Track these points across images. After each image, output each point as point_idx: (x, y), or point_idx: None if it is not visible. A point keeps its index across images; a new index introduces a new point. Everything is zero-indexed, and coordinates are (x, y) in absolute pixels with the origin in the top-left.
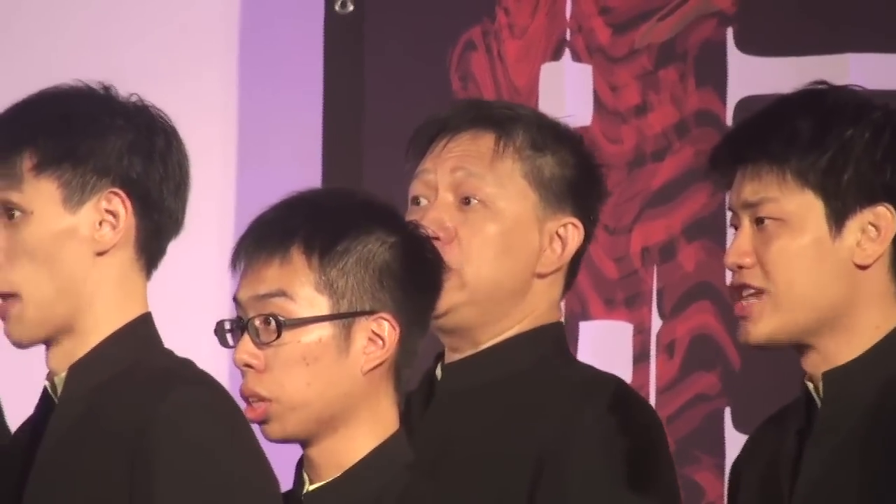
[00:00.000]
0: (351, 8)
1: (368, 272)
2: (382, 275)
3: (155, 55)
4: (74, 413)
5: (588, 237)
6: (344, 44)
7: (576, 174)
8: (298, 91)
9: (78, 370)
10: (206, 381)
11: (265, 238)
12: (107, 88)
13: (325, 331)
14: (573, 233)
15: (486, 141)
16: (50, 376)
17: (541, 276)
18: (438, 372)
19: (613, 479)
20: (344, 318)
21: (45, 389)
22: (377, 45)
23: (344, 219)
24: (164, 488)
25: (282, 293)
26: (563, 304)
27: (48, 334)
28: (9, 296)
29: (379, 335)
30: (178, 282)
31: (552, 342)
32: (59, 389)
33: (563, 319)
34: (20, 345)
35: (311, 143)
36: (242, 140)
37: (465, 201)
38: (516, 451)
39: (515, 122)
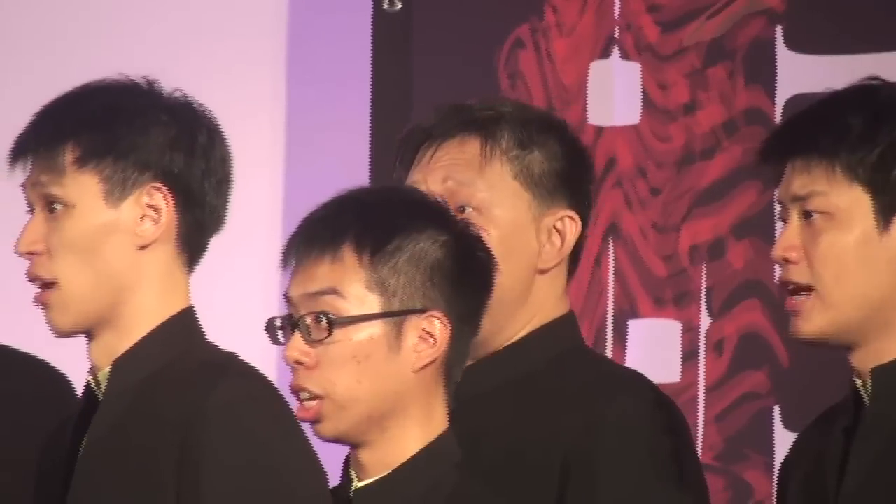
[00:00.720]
0: (399, 6)
1: (420, 270)
2: (434, 273)
3: (204, 54)
4: (119, 408)
5: (585, 224)
6: (392, 42)
7: (565, 164)
8: (346, 89)
9: (122, 365)
10: (252, 374)
11: (316, 236)
12: (151, 83)
13: (376, 329)
14: (570, 225)
15: (473, 146)
16: (92, 371)
17: (543, 272)
18: None
19: (641, 478)
20: (395, 316)
21: (87, 384)
22: (425, 44)
23: (395, 217)
24: (213, 480)
25: (333, 291)
26: (611, 300)
27: (88, 325)
28: (49, 284)
29: (430, 333)
30: (226, 280)
31: (567, 336)
32: (103, 384)
33: (571, 309)
34: (59, 333)
35: (358, 142)
36: (290, 139)
37: (460, 210)
38: (542, 450)
39: (499, 122)
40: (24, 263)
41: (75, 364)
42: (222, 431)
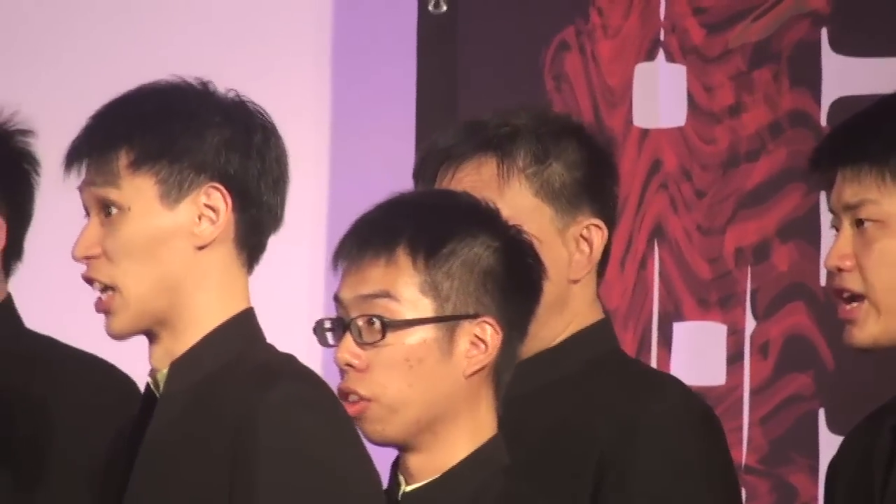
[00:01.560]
0: (444, 8)
1: (473, 276)
2: (486, 279)
3: (248, 57)
4: (177, 408)
5: (612, 227)
6: (437, 44)
7: (586, 172)
8: (391, 92)
9: (180, 365)
10: (309, 377)
11: (369, 238)
12: (204, 84)
13: (428, 333)
14: (596, 233)
15: (490, 168)
16: (152, 372)
17: (575, 281)
18: None
19: (674, 480)
20: (449, 320)
21: (147, 385)
22: (470, 46)
23: (449, 221)
24: (266, 482)
25: (386, 294)
26: (656, 302)
27: (145, 327)
28: (107, 289)
29: (482, 339)
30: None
31: (602, 341)
32: (162, 385)
33: (604, 315)
34: (117, 336)
35: (403, 144)
36: (335, 141)
37: None
38: (577, 452)
39: (514, 139)
40: (80, 265)
41: (134, 364)
42: (276, 433)
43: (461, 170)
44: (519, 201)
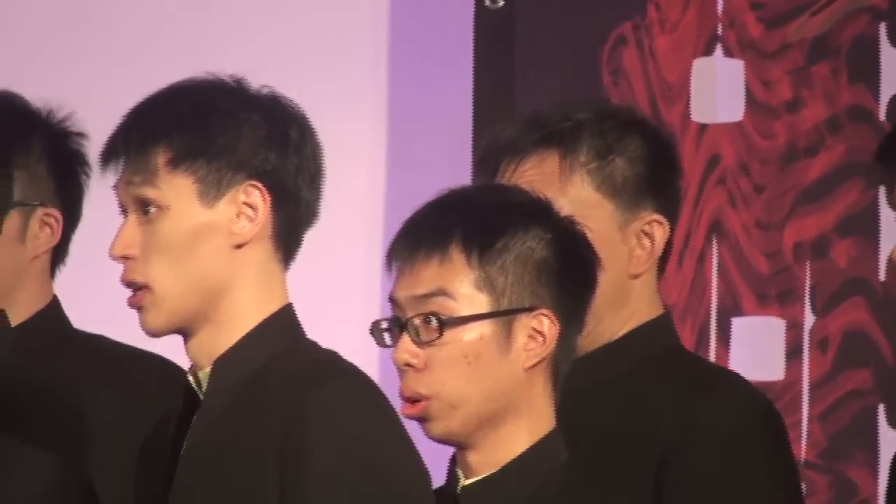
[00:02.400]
0: (502, 3)
1: (528, 269)
2: (541, 271)
3: (305, 53)
4: (220, 406)
5: (674, 223)
6: (495, 39)
7: (649, 167)
8: (448, 87)
9: (223, 363)
10: (356, 374)
11: (422, 237)
12: (238, 81)
13: (485, 328)
14: (658, 228)
15: (552, 162)
16: (193, 370)
17: (636, 276)
18: None
19: (737, 475)
20: (505, 315)
21: (187, 383)
22: (528, 41)
23: (501, 216)
24: (317, 481)
25: (442, 292)
26: (714, 298)
27: (181, 325)
28: (143, 287)
29: (539, 332)
30: (327, 284)
31: (663, 336)
32: (204, 383)
33: (664, 310)
34: (153, 333)
35: (460, 141)
36: (392, 138)
37: None
38: (638, 448)
39: (577, 133)
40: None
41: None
42: (326, 431)
43: (523, 164)
44: (581, 196)
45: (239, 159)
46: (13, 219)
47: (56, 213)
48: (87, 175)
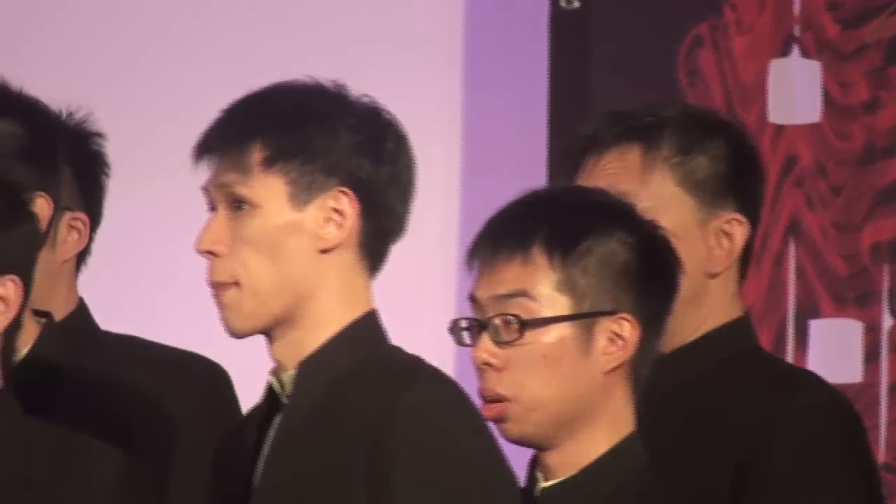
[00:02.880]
0: (577, 4)
1: (609, 272)
2: (623, 275)
3: (379, 56)
4: (304, 411)
5: (755, 225)
6: (570, 41)
7: (731, 167)
8: (523, 88)
9: (308, 367)
10: (444, 379)
11: (504, 237)
12: (339, 86)
13: (566, 331)
14: (738, 228)
15: (634, 155)
16: (276, 373)
17: (713, 275)
18: None
19: (818, 477)
20: (586, 317)
21: (268, 388)
22: (604, 42)
23: (584, 218)
24: (407, 485)
25: (523, 293)
26: (792, 300)
27: (264, 326)
28: (229, 284)
29: (619, 335)
30: (401, 284)
31: (741, 338)
32: (288, 387)
33: (743, 312)
34: (235, 334)
35: (535, 143)
36: (467, 140)
37: None
38: (716, 450)
39: (660, 129)
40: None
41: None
42: (416, 435)
43: (605, 157)
44: (661, 191)
45: (332, 164)
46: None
47: (83, 216)
48: (107, 176)
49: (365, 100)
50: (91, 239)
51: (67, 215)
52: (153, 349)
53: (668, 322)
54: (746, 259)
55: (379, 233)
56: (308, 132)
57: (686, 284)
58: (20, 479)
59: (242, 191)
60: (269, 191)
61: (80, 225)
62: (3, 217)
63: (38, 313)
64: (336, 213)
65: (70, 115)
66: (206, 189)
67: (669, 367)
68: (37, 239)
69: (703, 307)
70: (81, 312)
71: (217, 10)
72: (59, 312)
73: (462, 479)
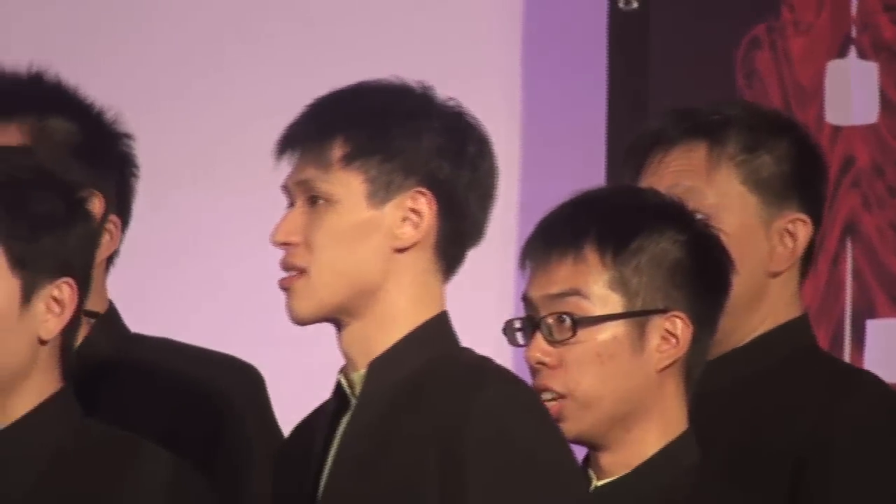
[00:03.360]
0: (635, 5)
1: (662, 270)
2: (675, 273)
3: (438, 55)
4: (375, 410)
5: (818, 224)
6: (628, 41)
7: (796, 166)
8: (582, 90)
9: (378, 367)
10: (512, 379)
11: (556, 237)
12: (425, 88)
13: (619, 329)
14: (802, 228)
15: (699, 152)
16: (345, 372)
17: (775, 275)
18: None
19: (877, 476)
20: (639, 315)
21: (338, 385)
22: (662, 43)
23: (636, 217)
24: (480, 483)
25: (576, 292)
26: (849, 300)
27: (326, 313)
28: (300, 271)
29: (672, 333)
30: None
31: (800, 338)
32: (358, 386)
33: (803, 312)
34: (298, 319)
35: (594, 143)
36: (526, 140)
37: None
38: (774, 450)
39: (726, 127)
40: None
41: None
42: (488, 435)
43: (670, 154)
44: (726, 188)
45: (412, 164)
46: None
47: (114, 218)
48: (136, 177)
49: (450, 103)
50: (120, 241)
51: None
52: (188, 351)
53: (727, 321)
54: (808, 259)
55: (456, 235)
56: (390, 131)
57: (747, 283)
58: (75, 478)
59: (321, 186)
60: (347, 187)
61: (111, 227)
62: (59, 218)
63: (87, 313)
64: (413, 213)
65: (100, 114)
66: (285, 186)
67: (729, 366)
68: (94, 240)
69: (764, 306)
70: (112, 315)
71: (281, 12)
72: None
73: (534, 479)
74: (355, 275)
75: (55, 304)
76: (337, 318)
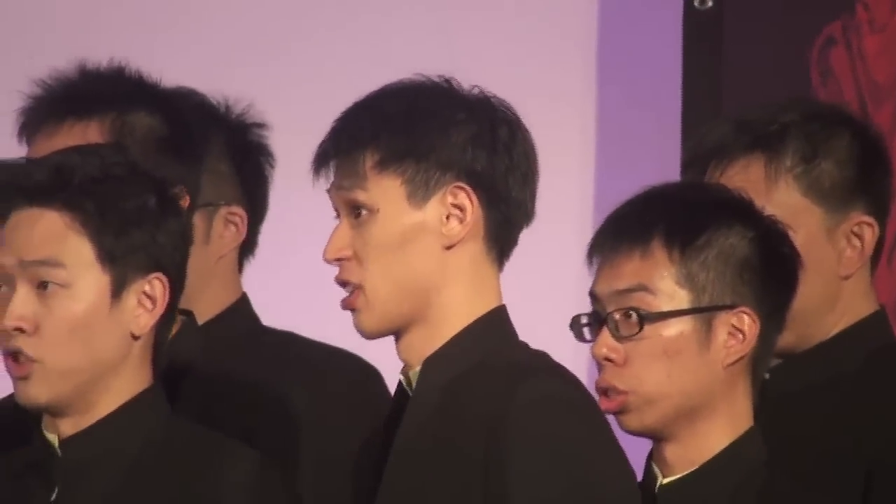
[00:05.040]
0: (710, 4)
1: (729, 266)
2: (743, 269)
3: (515, 57)
4: (429, 406)
5: (884, 222)
6: (703, 40)
7: (857, 169)
8: (657, 88)
9: (432, 363)
10: (561, 373)
11: (624, 232)
12: (449, 81)
13: (686, 325)
14: (867, 230)
15: (757, 169)
16: (405, 370)
17: (846, 277)
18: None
19: None
20: (706, 311)
21: (399, 383)
22: (736, 41)
23: (703, 212)
24: (520, 479)
25: (642, 287)
26: None
27: (395, 327)
28: (357, 288)
29: (739, 329)
30: (539, 281)
31: (877, 333)
32: (414, 383)
33: (878, 306)
34: (367, 335)
35: (669, 141)
36: (601, 138)
37: None
38: (848, 452)
39: (782, 137)
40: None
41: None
42: (530, 429)
43: (729, 169)
44: (787, 202)
45: (447, 159)
46: (197, 221)
47: (240, 210)
48: (272, 166)
49: (475, 92)
50: (255, 231)
51: (223, 210)
52: (307, 347)
53: (804, 326)
54: (877, 254)
55: (503, 223)
56: (417, 131)
57: (820, 290)
58: (161, 474)
59: (360, 196)
60: (386, 193)
61: (237, 219)
62: (149, 213)
63: (180, 311)
64: (456, 208)
65: (228, 107)
66: (329, 195)
67: (807, 366)
68: (185, 236)
69: (838, 308)
70: (240, 307)
71: (353, 13)
72: (212, 308)
73: (577, 476)
74: (411, 279)
75: (147, 300)
76: (403, 328)
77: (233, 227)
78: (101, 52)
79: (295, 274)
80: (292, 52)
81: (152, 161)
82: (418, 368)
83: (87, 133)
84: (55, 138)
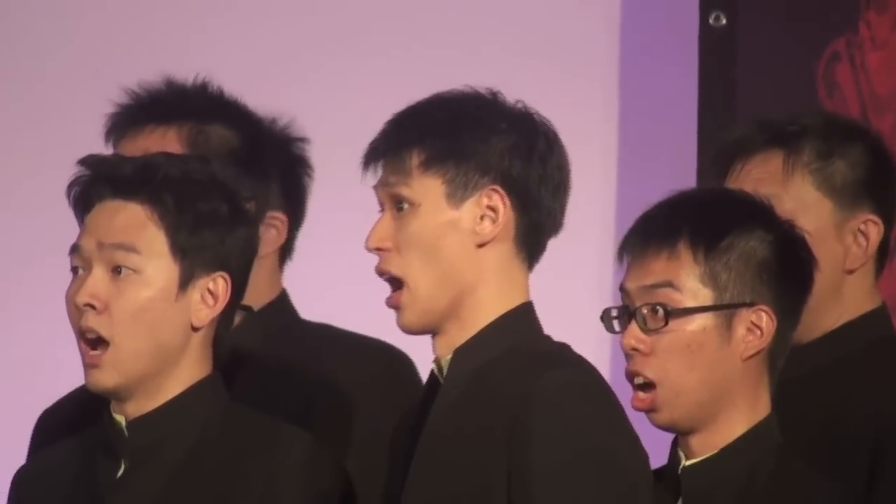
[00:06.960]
0: (724, 21)
1: (749, 267)
2: (762, 270)
3: (539, 69)
4: (457, 392)
5: (890, 223)
6: (718, 55)
7: (869, 172)
8: (675, 100)
9: (462, 352)
10: (580, 363)
11: (653, 233)
12: (494, 94)
13: (708, 320)
14: (874, 228)
15: (776, 161)
16: (437, 360)
17: (851, 272)
18: None
19: None
20: (727, 308)
21: (431, 371)
22: (749, 57)
23: (727, 216)
24: (541, 466)
25: (669, 284)
26: None
27: (435, 323)
28: (398, 284)
29: (758, 325)
30: (563, 278)
31: (878, 327)
32: (446, 370)
33: (881, 303)
34: (409, 331)
35: (686, 150)
36: (622, 147)
37: None
38: (852, 437)
39: (802, 136)
40: (366, 261)
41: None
42: (549, 417)
43: (750, 162)
44: (801, 194)
45: (485, 164)
46: None
47: (281, 215)
48: (310, 177)
49: (519, 106)
50: (293, 236)
51: (266, 214)
52: (343, 337)
53: (809, 316)
54: (883, 254)
55: (533, 227)
56: (461, 136)
57: (825, 281)
58: (220, 457)
59: (404, 191)
60: (427, 190)
61: (278, 223)
62: (221, 217)
63: (241, 307)
64: (490, 209)
65: (274, 121)
66: (376, 191)
67: (811, 354)
68: (252, 243)
69: (842, 300)
70: (280, 303)
71: (388, 26)
72: (256, 303)
73: (594, 463)
74: (449, 274)
75: (209, 296)
76: (440, 325)
77: (273, 231)
78: (140, 68)
79: (320, 274)
80: (323, 71)
81: (236, 175)
82: (449, 357)
83: (166, 138)
84: (137, 141)
